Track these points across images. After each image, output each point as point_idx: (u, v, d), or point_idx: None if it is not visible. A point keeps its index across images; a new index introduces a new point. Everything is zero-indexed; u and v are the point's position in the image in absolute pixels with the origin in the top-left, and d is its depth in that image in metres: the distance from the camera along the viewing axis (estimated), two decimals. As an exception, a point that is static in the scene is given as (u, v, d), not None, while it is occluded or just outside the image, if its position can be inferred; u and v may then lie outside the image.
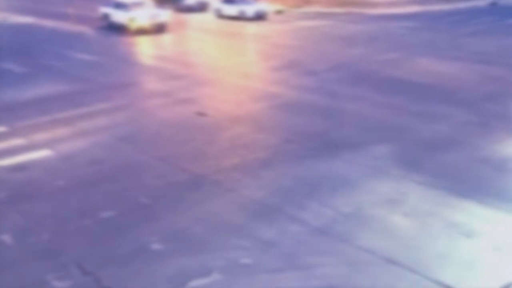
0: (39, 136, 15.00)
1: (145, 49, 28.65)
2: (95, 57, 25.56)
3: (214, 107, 17.46)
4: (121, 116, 16.73)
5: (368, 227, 9.96)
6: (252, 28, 35.00)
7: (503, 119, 15.53)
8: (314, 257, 9.19)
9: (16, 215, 10.85)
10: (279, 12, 43.31)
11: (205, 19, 39.80)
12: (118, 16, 34.22)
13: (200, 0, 44.82)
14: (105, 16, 35.57)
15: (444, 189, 11.28)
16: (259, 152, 13.70)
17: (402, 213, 10.47)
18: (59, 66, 23.59)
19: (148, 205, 11.25)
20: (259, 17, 39.04)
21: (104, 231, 10.26)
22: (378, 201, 10.89)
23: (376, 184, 11.55)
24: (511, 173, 12.11)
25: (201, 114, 16.83)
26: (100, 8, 36.26)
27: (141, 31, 32.52)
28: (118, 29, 33.65)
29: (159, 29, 33.21)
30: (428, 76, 20.45)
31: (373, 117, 16.03)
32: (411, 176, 11.88)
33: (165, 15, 34.24)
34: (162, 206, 11.16)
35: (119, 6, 34.47)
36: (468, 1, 48.58)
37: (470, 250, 9.29)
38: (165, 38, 31.43)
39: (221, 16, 40.23)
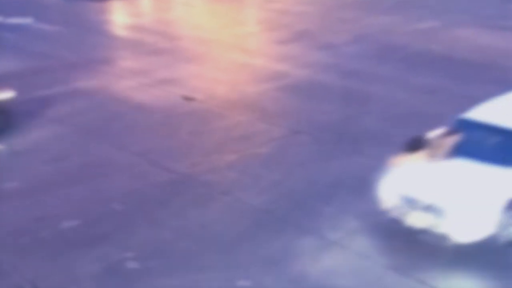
0: (-14, 126, 15.00)
1: (118, 17, 28.59)
2: (57, 27, 25.51)
3: (204, 90, 17.42)
4: (88, 102, 16.70)
5: (398, 239, 9.95)
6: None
7: None
8: (330, 279, 9.18)
9: (-43, 225, 10.88)
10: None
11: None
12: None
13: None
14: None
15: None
16: (261, 146, 13.67)
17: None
18: (11, 39, 23.54)
19: (121, 212, 11.24)
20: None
21: (67, 245, 10.25)
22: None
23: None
24: None
25: (188, 98, 16.80)
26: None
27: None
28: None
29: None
30: (472, 51, 20.37)
31: (402, 102, 15.97)
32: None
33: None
34: (139, 214, 11.14)
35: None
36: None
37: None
38: (143, 3, 31.36)
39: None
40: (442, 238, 9.40)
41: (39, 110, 16.05)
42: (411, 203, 9.66)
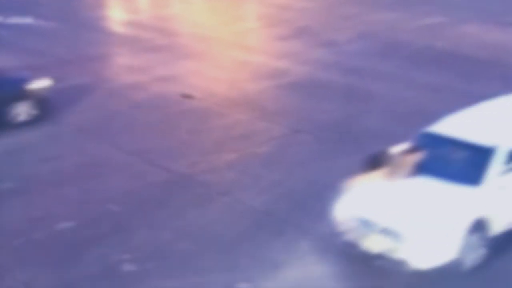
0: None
1: (115, 13, 28.58)
2: (51, 23, 25.51)
3: (203, 88, 17.43)
4: (84, 100, 16.71)
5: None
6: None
7: None
8: (333, 284, 9.20)
9: (-51, 227, 10.91)
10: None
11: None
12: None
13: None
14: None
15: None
16: (260, 146, 13.70)
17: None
18: (4, 35, 23.54)
19: (118, 213, 11.26)
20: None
21: (62, 246, 10.28)
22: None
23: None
24: None
25: (186, 96, 16.81)
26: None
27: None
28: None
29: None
30: (478, 47, 20.37)
31: (406, 100, 15.99)
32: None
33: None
34: (136, 215, 11.17)
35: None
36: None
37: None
38: (141, -2, 31.36)
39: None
40: (400, 264, 8.88)
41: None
42: (367, 225, 9.19)
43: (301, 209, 11.08)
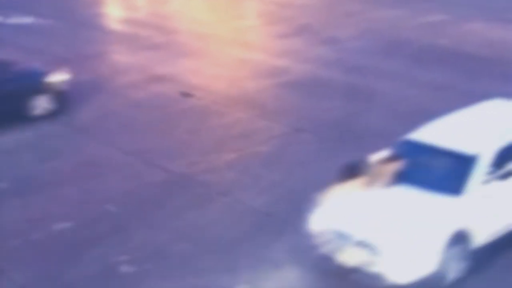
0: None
1: (112, 10, 28.57)
2: (47, 20, 25.50)
3: (202, 86, 17.44)
4: (81, 98, 16.70)
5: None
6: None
7: None
8: (335, 285, 9.20)
9: None
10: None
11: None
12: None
13: None
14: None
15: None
16: (261, 145, 13.70)
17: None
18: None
19: (116, 213, 11.27)
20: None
21: (59, 247, 10.28)
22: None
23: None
24: None
25: (185, 94, 16.82)
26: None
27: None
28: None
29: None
30: (482, 45, 20.38)
31: (408, 99, 15.99)
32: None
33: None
34: (134, 216, 11.17)
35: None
36: None
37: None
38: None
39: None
40: (376, 278, 8.61)
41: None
42: (342, 238, 8.92)
43: (302, 210, 11.05)
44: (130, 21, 25.97)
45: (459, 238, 8.90)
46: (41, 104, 15.46)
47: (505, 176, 9.50)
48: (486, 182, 9.28)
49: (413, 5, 26.38)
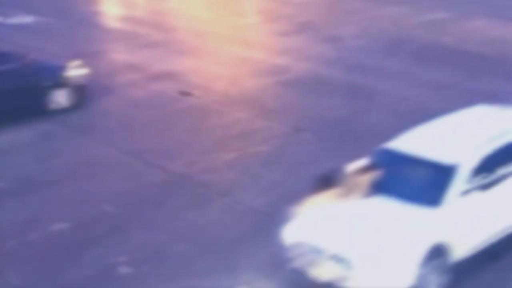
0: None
1: (110, 7, 28.57)
2: (43, 18, 25.50)
3: (201, 85, 17.44)
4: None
5: None
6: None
7: None
8: None
9: None
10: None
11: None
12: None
13: None
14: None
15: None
16: (261, 145, 13.70)
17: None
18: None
19: (114, 214, 11.27)
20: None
21: (56, 249, 10.28)
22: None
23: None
24: None
25: (184, 93, 16.82)
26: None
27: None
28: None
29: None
30: (484, 43, 20.38)
31: (410, 98, 16.00)
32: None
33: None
34: (132, 216, 11.18)
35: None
36: None
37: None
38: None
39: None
40: None
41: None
42: (316, 251, 8.69)
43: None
44: (128, 19, 25.97)
45: (438, 252, 8.64)
46: (60, 98, 15.77)
47: (486, 187, 9.23)
48: (467, 193, 9.02)
49: (415, 3, 26.39)
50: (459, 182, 9.01)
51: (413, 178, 9.43)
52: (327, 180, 9.16)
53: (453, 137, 9.87)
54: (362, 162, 9.81)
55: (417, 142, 9.79)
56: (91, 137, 14.44)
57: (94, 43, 22.04)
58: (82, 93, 16.21)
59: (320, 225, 8.94)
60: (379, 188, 9.21)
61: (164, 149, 13.66)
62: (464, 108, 10.98)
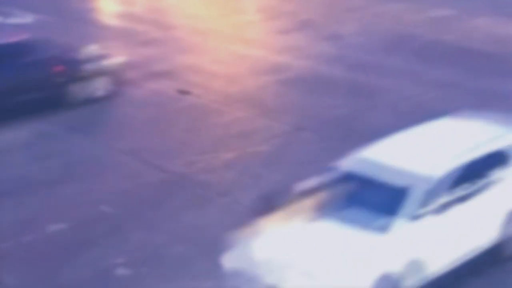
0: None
1: (107, 4, 28.56)
2: (40, 15, 25.48)
3: (200, 83, 17.44)
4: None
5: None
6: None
7: None
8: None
9: None
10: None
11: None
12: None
13: None
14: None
15: None
16: (261, 144, 13.71)
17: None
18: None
19: (111, 215, 11.28)
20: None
21: (53, 250, 10.29)
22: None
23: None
24: None
25: (183, 92, 16.82)
26: None
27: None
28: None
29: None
30: (489, 41, 20.38)
31: (413, 97, 16.00)
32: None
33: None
34: (130, 217, 11.19)
35: None
36: None
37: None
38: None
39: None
40: None
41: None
42: (252, 281, 8.20)
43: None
44: (126, 15, 25.95)
45: (388, 281, 8.11)
46: (100, 86, 16.30)
47: (444, 209, 8.67)
48: (421, 216, 8.45)
49: (417, 0, 26.35)
50: (412, 205, 8.44)
51: (363, 200, 8.82)
52: (269, 203, 8.62)
53: (409, 155, 9.25)
54: (311, 182, 9.25)
55: (371, 160, 9.20)
56: (88, 136, 14.45)
57: (91, 41, 21.97)
58: (120, 82, 16.73)
59: (258, 252, 8.39)
60: (327, 210, 8.67)
61: (163, 148, 13.67)
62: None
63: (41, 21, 24.84)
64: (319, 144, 13.63)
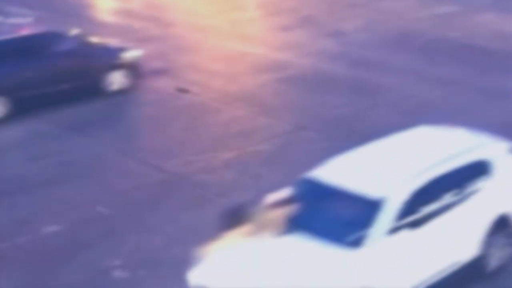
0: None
1: (104, 0, 28.55)
2: (34, 11, 25.47)
3: (199, 82, 17.44)
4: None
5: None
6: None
7: None
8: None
9: None
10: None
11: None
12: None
13: None
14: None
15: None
16: (261, 144, 13.70)
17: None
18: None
19: (108, 216, 11.27)
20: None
21: (48, 252, 10.28)
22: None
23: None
24: None
25: (182, 90, 16.82)
26: None
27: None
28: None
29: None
30: (494, 38, 20.36)
31: (417, 95, 15.98)
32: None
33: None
34: (127, 218, 11.17)
35: None
36: None
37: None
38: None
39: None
40: None
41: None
42: None
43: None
44: (123, 12, 25.95)
45: None
46: (118, 79, 16.63)
47: (419, 223, 8.41)
48: (395, 231, 8.18)
49: (422, -4, 26.33)
50: (386, 219, 8.18)
51: (334, 213, 8.58)
52: (236, 216, 8.40)
53: (383, 166, 8.99)
54: (281, 194, 8.94)
55: (343, 171, 8.94)
56: (84, 135, 14.43)
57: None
58: (137, 75, 16.98)
59: (225, 268, 8.17)
60: (296, 224, 8.37)
61: (161, 148, 13.67)
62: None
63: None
64: (320, 144, 13.60)
